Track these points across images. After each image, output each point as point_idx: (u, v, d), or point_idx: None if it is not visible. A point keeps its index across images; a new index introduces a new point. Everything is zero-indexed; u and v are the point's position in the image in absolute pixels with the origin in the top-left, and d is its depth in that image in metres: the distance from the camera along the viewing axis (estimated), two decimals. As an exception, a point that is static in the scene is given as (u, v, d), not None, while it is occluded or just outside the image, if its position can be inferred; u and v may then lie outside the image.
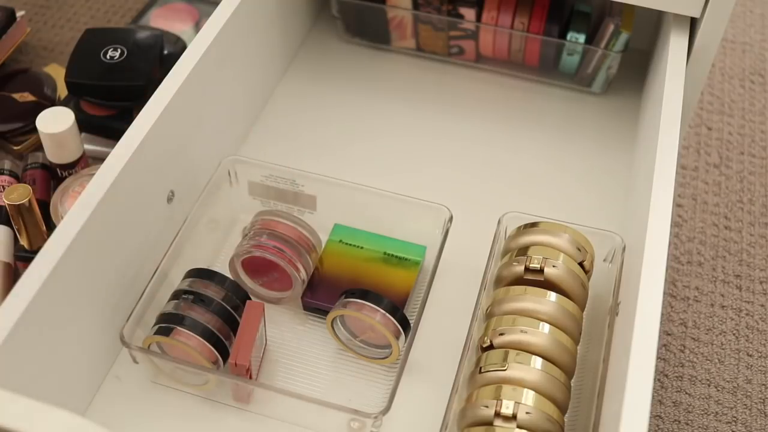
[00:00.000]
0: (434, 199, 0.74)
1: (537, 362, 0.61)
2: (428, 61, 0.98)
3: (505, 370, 0.61)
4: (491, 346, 0.63)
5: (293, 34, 0.97)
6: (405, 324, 0.66)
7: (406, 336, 0.66)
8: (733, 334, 0.93)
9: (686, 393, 0.88)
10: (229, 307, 0.66)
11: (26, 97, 0.99)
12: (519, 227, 0.71)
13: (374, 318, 0.65)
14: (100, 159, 0.90)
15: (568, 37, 0.89)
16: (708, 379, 0.89)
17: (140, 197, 0.68)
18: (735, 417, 0.86)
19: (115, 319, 0.67)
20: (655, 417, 0.86)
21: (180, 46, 1.01)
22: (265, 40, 0.89)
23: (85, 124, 0.92)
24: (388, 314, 0.65)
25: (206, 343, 0.64)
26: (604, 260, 0.73)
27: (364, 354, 0.69)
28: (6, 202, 0.73)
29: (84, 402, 0.67)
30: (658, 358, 0.89)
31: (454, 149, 0.89)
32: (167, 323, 0.64)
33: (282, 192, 0.77)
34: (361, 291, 0.66)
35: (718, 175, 1.11)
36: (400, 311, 0.66)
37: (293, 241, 0.71)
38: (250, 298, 0.68)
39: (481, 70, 0.97)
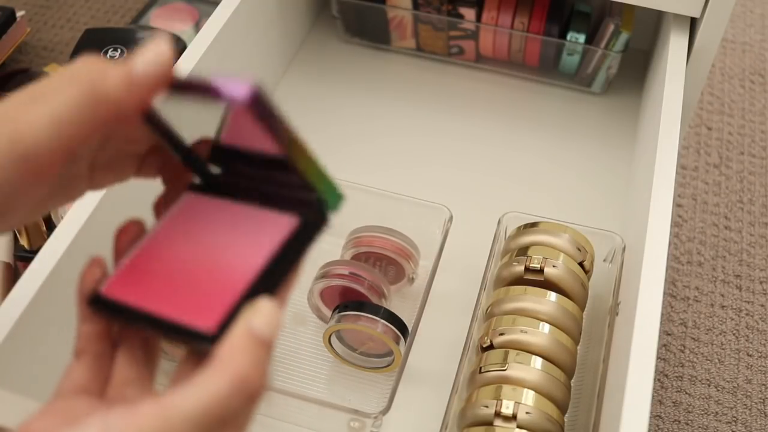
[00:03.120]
0: (434, 199, 0.74)
1: (537, 362, 0.61)
2: (428, 61, 0.98)
3: (505, 370, 0.61)
4: (491, 346, 0.63)
5: (293, 34, 0.97)
6: (404, 329, 0.66)
7: (405, 340, 0.66)
8: (733, 334, 0.93)
9: (686, 393, 0.88)
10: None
11: (26, 97, 0.99)
12: (519, 227, 0.71)
13: (375, 329, 0.65)
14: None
15: (568, 37, 0.89)
16: (708, 379, 0.89)
17: (141, 196, 0.68)
18: (735, 417, 0.86)
19: (115, 319, 0.67)
20: (655, 417, 0.86)
21: (180, 46, 1.01)
22: (264, 40, 0.89)
23: (85, 124, 0.91)
24: (387, 323, 0.65)
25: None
26: (604, 260, 0.73)
27: (366, 366, 0.68)
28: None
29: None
30: (658, 358, 0.89)
31: (454, 149, 0.89)
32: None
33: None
34: (356, 303, 0.66)
35: (718, 175, 1.11)
36: (397, 317, 0.66)
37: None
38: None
39: (481, 70, 0.97)
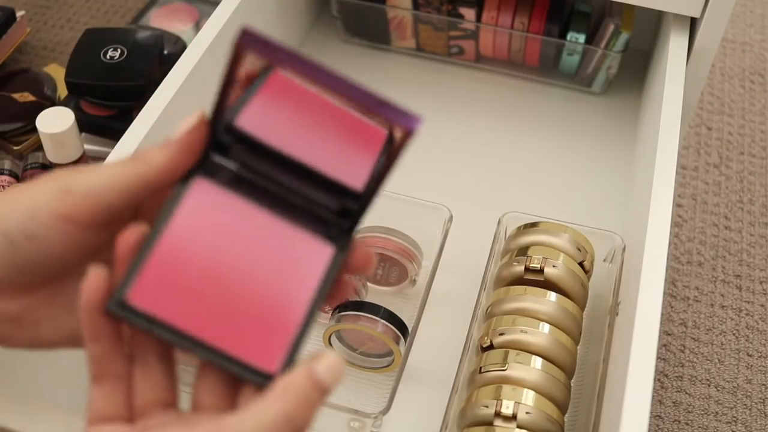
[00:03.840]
0: (434, 199, 0.74)
1: (537, 362, 0.61)
2: (428, 61, 0.98)
3: (505, 370, 0.61)
4: (491, 346, 0.63)
5: (293, 34, 0.97)
6: (404, 329, 0.66)
7: (405, 339, 0.66)
8: (733, 334, 0.93)
9: (686, 393, 0.88)
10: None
11: (26, 97, 0.99)
12: (519, 227, 0.71)
13: (375, 329, 0.65)
14: (100, 159, 0.91)
15: (568, 37, 0.89)
16: (708, 379, 0.89)
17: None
18: (735, 417, 0.86)
19: (115, 319, 0.67)
20: (655, 417, 0.86)
21: (180, 46, 1.01)
22: (265, 40, 0.89)
23: (85, 124, 0.92)
24: (387, 323, 0.65)
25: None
26: (604, 260, 0.73)
27: (366, 366, 0.68)
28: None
29: (84, 402, 0.67)
30: (658, 358, 0.89)
31: (453, 149, 0.89)
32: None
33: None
34: (355, 303, 0.66)
35: (718, 175, 1.11)
36: (397, 317, 0.66)
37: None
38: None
39: (481, 70, 0.97)
